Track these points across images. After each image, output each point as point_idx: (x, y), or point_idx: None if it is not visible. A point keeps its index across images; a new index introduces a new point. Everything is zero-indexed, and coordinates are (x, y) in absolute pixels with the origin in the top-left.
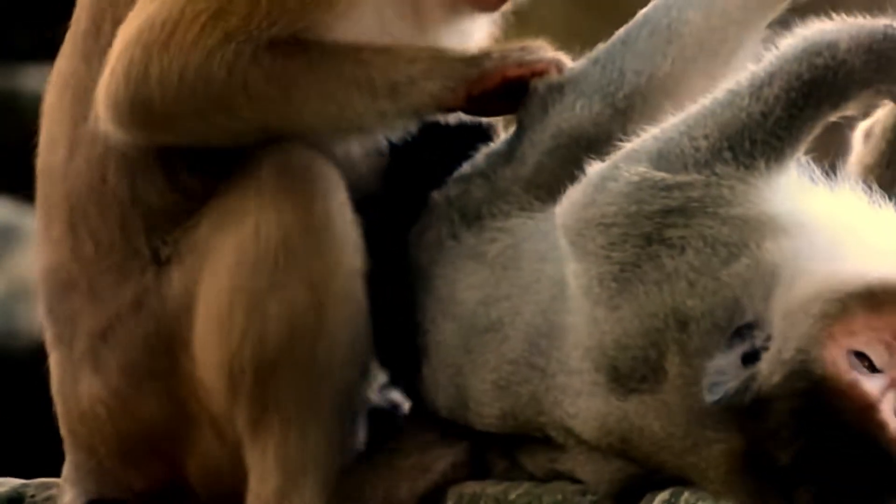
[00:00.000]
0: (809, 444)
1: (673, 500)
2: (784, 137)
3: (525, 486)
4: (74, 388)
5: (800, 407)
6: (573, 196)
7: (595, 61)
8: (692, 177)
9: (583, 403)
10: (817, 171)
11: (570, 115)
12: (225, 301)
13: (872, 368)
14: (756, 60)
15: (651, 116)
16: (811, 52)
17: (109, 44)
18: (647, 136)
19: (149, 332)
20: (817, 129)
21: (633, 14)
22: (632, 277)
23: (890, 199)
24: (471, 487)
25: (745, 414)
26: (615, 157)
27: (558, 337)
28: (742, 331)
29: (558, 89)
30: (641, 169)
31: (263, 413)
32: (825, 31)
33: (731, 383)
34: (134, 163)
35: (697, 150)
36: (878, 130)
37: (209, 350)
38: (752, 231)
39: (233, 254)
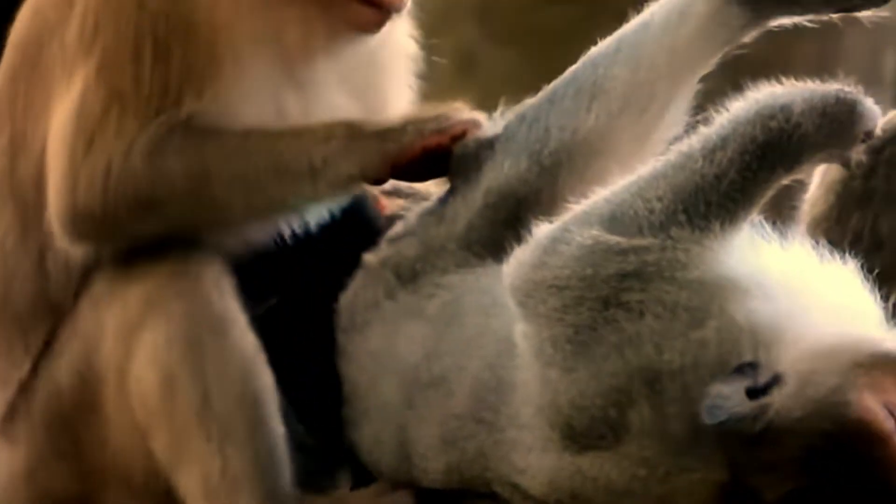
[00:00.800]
0: (814, 482)
1: None
2: (738, 200)
3: None
4: None
5: (817, 445)
6: (522, 257)
7: (522, 119)
8: (647, 241)
9: (533, 459)
10: (768, 229)
11: (498, 173)
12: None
13: None
14: (690, 117)
15: (579, 173)
16: (765, 115)
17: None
18: (598, 198)
19: (46, 414)
20: (770, 191)
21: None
22: (588, 340)
23: (840, 252)
24: None
25: (742, 444)
26: (565, 219)
27: (507, 392)
28: (743, 368)
29: (489, 146)
30: (595, 232)
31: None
32: (778, 95)
33: (736, 409)
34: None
35: (651, 212)
36: (824, 186)
37: (125, 413)
38: (713, 295)
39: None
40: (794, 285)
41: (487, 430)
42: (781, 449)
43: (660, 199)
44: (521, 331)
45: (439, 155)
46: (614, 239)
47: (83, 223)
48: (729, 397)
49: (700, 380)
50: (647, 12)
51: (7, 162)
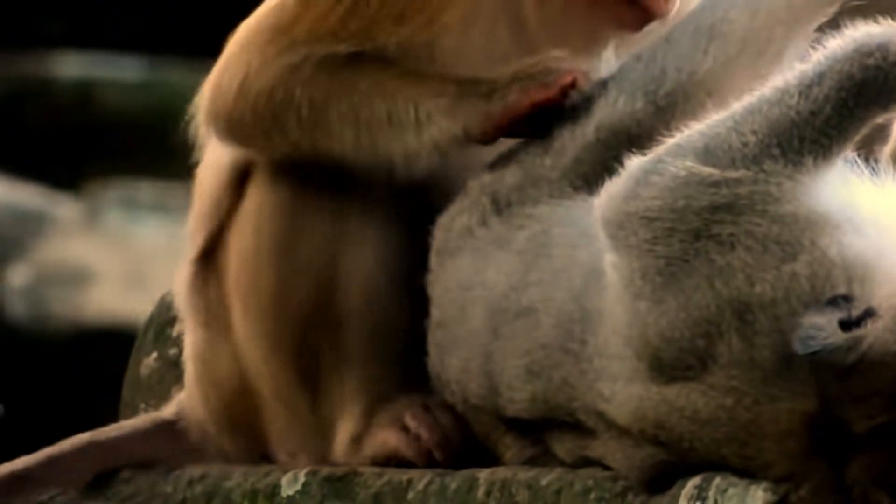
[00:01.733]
0: None
1: (704, 484)
2: (833, 136)
3: (556, 472)
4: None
5: None
6: (613, 189)
7: (638, 58)
8: (740, 173)
9: (620, 389)
10: (861, 166)
11: (611, 110)
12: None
13: None
14: (803, 60)
15: (693, 114)
16: (862, 53)
17: None
18: (692, 132)
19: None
20: (865, 129)
21: None
22: (678, 272)
23: None
24: (502, 473)
25: (834, 375)
26: (658, 151)
27: (594, 323)
28: (837, 300)
29: (602, 85)
30: (688, 163)
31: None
32: (875, 34)
33: (829, 340)
34: None
35: (745, 145)
36: None
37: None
38: (804, 229)
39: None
40: (886, 222)
41: (574, 359)
42: (874, 382)
43: (754, 132)
44: (610, 262)
45: (548, 109)
46: (707, 170)
47: (216, 121)
48: (822, 328)
49: (792, 312)
50: None
51: None
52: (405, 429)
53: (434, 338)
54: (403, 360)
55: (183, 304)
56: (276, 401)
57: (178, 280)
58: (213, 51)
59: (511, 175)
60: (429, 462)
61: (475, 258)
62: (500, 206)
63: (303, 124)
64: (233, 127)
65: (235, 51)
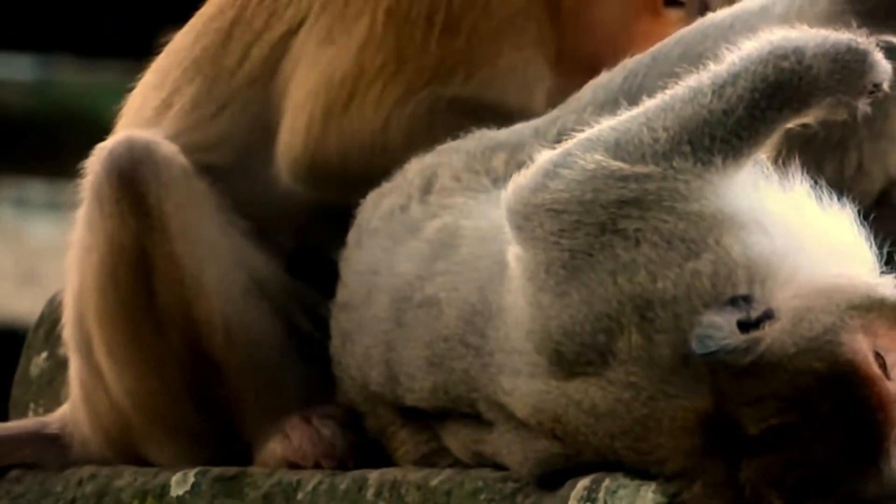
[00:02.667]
0: (799, 417)
1: (594, 486)
2: (744, 137)
3: (446, 473)
4: None
5: (805, 383)
6: (521, 181)
7: (622, 68)
8: (650, 168)
9: (521, 382)
10: (770, 169)
11: (577, 117)
12: None
13: (884, 371)
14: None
15: None
16: (777, 56)
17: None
18: (603, 126)
19: None
20: (777, 133)
21: None
22: (582, 265)
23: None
24: (392, 474)
25: (730, 376)
26: (568, 144)
27: (496, 317)
28: (737, 300)
29: (583, 89)
30: (598, 157)
31: None
32: (791, 37)
33: (726, 340)
34: None
35: (656, 141)
36: None
37: None
38: (710, 228)
39: None
40: (791, 225)
41: (475, 353)
42: (769, 383)
43: (666, 129)
44: (515, 254)
45: None
46: (617, 164)
47: (316, 172)
48: (720, 328)
49: (692, 310)
50: None
51: (218, 42)
52: (289, 439)
53: (338, 321)
54: (291, 370)
55: (66, 331)
56: (159, 426)
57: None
58: (106, 51)
59: (453, 160)
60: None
61: (388, 242)
62: (427, 191)
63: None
64: (340, 177)
65: (338, 102)
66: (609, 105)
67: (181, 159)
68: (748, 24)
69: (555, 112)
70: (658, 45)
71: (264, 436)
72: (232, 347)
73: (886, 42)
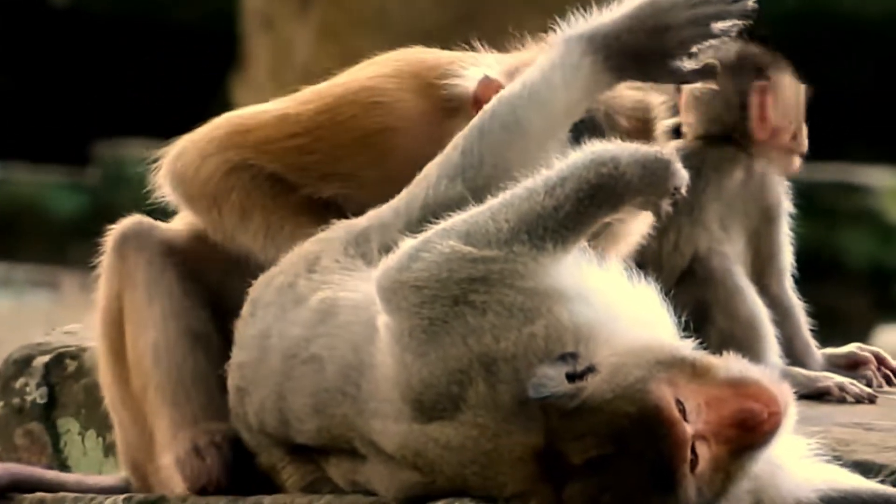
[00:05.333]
0: (614, 451)
1: None
2: (570, 228)
3: (327, 498)
4: None
5: (620, 422)
6: (389, 262)
7: (455, 147)
8: (494, 252)
9: (389, 424)
10: (591, 253)
11: (435, 192)
12: None
13: (683, 416)
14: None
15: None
16: (598, 163)
17: None
18: (458, 219)
19: None
20: (597, 224)
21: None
22: (439, 331)
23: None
24: (283, 499)
25: (559, 416)
26: (428, 233)
27: (368, 372)
28: (566, 356)
29: (428, 169)
30: (452, 243)
31: None
32: (609, 148)
33: (556, 389)
34: None
35: (500, 231)
36: None
37: None
38: (543, 300)
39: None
40: (609, 297)
41: (352, 400)
42: (590, 423)
43: (507, 220)
44: (384, 322)
45: None
46: (467, 249)
47: (175, 188)
48: (552, 378)
49: (529, 364)
50: (541, 68)
51: None
52: (180, 459)
53: (234, 378)
54: (200, 400)
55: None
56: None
57: None
58: (56, 157)
59: (331, 246)
60: (204, 491)
61: (279, 311)
62: (311, 269)
63: (231, 216)
64: (186, 198)
65: (204, 130)
66: (459, 179)
67: (170, 239)
68: (536, 92)
69: (406, 193)
70: (478, 120)
71: (166, 454)
72: (156, 368)
73: (707, 65)
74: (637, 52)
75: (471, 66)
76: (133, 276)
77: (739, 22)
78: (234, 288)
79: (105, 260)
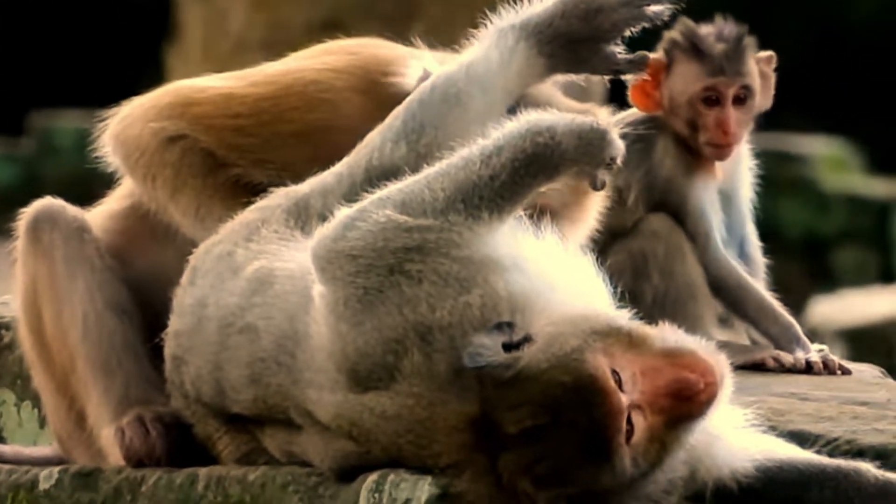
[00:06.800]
0: (549, 420)
1: (381, 479)
2: (506, 197)
3: (262, 470)
4: None
5: (555, 392)
6: (325, 231)
7: (397, 116)
8: (429, 221)
9: (324, 394)
10: (528, 223)
11: (380, 154)
12: None
13: (619, 386)
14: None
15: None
16: (534, 132)
17: None
18: (393, 188)
19: None
20: (533, 194)
21: None
22: (374, 300)
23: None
24: (218, 470)
25: (494, 386)
26: (364, 202)
27: (303, 341)
28: (502, 326)
29: (372, 135)
30: (387, 212)
31: None
32: (545, 117)
33: (491, 358)
34: None
35: (435, 200)
36: None
37: None
38: (479, 269)
39: None
40: (545, 267)
41: (287, 370)
42: (525, 392)
43: (443, 189)
44: (319, 291)
45: None
46: (403, 218)
47: (115, 149)
48: (488, 348)
49: (465, 334)
50: (478, 50)
51: None
52: (123, 433)
53: (170, 347)
54: (137, 372)
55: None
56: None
57: None
58: None
59: (272, 214)
60: (140, 464)
61: (216, 280)
62: (249, 238)
63: (164, 189)
64: (125, 163)
65: (150, 96)
66: (402, 142)
67: (82, 219)
68: (475, 71)
69: (348, 159)
70: (417, 93)
71: (106, 425)
72: (84, 340)
73: (638, 56)
74: (570, 37)
75: (413, 63)
76: (50, 253)
77: (670, 5)
78: (162, 263)
79: (20, 243)
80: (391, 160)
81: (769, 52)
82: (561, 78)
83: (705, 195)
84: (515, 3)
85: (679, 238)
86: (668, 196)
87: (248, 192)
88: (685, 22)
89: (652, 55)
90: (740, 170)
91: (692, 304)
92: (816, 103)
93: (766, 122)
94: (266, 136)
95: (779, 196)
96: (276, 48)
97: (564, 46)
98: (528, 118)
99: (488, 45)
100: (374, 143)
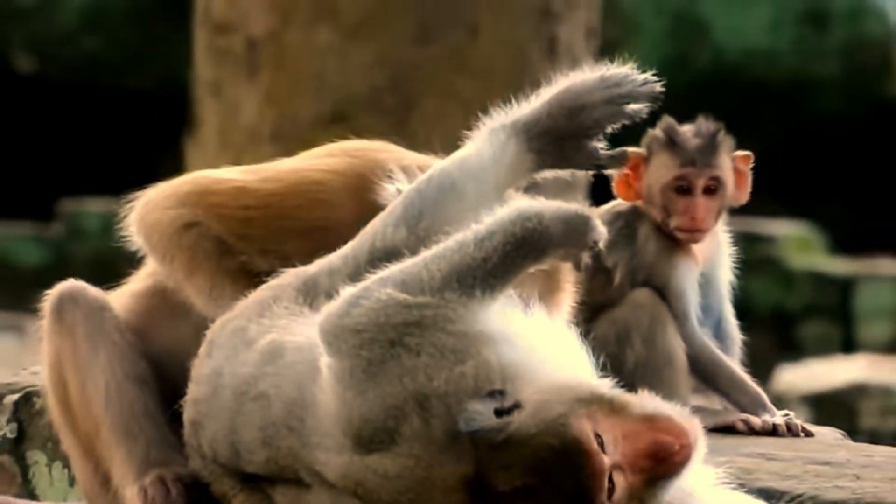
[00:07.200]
0: (538, 480)
1: None
2: (498, 277)
3: None
4: None
5: (543, 454)
6: (331, 308)
7: (397, 204)
8: (427, 299)
9: (331, 456)
10: (517, 299)
11: (382, 237)
12: None
13: (601, 448)
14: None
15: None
16: (524, 218)
17: None
18: (394, 268)
19: None
20: (522, 274)
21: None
22: (377, 371)
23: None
24: None
25: (488, 448)
26: (367, 282)
27: (311, 408)
28: (494, 393)
29: (374, 222)
30: (388, 290)
31: None
32: (533, 205)
33: (485, 423)
34: None
35: (433, 279)
36: None
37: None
38: (472, 342)
39: None
40: (533, 340)
41: (297, 435)
42: (516, 454)
43: (440, 270)
44: (326, 363)
45: None
46: (403, 296)
47: (138, 231)
48: (481, 413)
49: (460, 401)
50: (472, 147)
51: None
52: (146, 493)
53: (189, 413)
54: (156, 435)
55: None
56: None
57: None
58: (23, 213)
59: (282, 292)
60: None
61: (231, 352)
62: (261, 315)
63: (180, 270)
64: (147, 244)
65: (171, 184)
66: (402, 226)
67: (102, 299)
68: (469, 165)
69: (353, 243)
70: (415, 185)
71: (129, 485)
72: (107, 409)
73: (619, 152)
74: (556, 134)
75: (398, 175)
76: (73, 330)
77: (648, 104)
78: (179, 338)
79: (45, 322)
80: (392, 243)
81: (747, 152)
82: (548, 174)
83: (686, 277)
84: (506, 104)
85: (661, 310)
86: (651, 278)
87: (254, 276)
88: (666, 119)
89: (633, 150)
90: (720, 254)
91: (669, 371)
92: (783, 189)
93: (738, 208)
94: (271, 229)
95: (749, 274)
96: (286, 139)
97: (551, 143)
98: (518, 205)
99: (481, 143)
100: (376, 227)
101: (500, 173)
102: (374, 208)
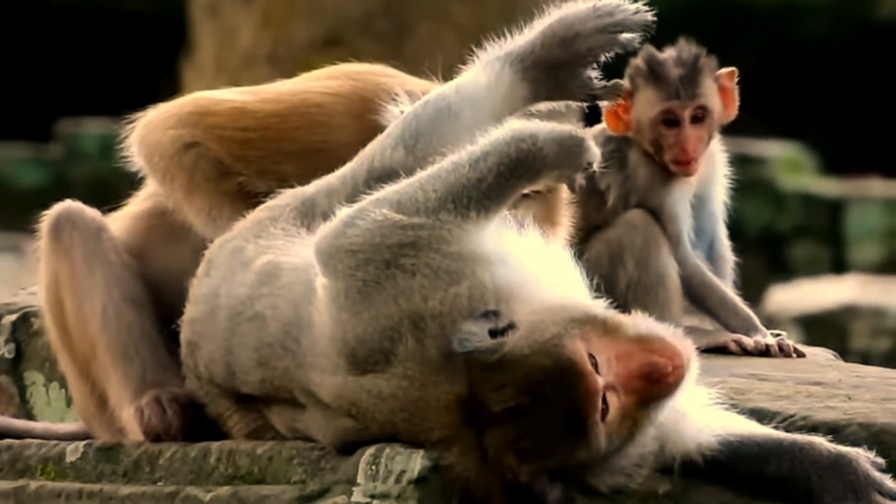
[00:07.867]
0: (531, 400)
1: (378, 452)
2: (492, 198)
3: (269, 444)
4: None
5: (537, 374)
6: (327, 229)
7: (395, 126)
8: (422, 220)
9: (326, 377)
10: (512, 220)
11: (381, 156)
12: None
13: (595, 369)
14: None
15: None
16: (518, 139)
17: None
18: (390, 189)
19: None
20: (517, 195)
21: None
22: (372, 291)
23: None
24: (229, 444)
25: (481, 368)
26: (363, 202)
27: (307, 328)
28: (488, 314)
29: (372, 143)
30: (384, 211)
31: None
32: (528, 125)
33: (479, 343)
34: None
35: (428, 200)
36: None
37: None
38: (467, 263)
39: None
40: (527, 261)
41: (292, 355)
42: (510, 375)
43: (435, 191)
44: (321, 283)
45: None
46: (398, 217)
47: (138, 151)
48: (475, 334)
49: (454, 322)
50: (469, 75)
51: None
52: (142, 413)
53: (185, 332)
54: (153, 356)
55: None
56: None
57: None
58: (21, 134)
59: (281, 213)
60: (158, 439)
61: (228, 272)
62: (258, 235)
63: (179, 190)
64: (147, 164)
65: (172, 104)
66: (401, 146)
67: (99, 220)
68: (465, 91)
69: (351, 164)
70: (413, 107)
71: (125, 406)
72: (104, 330)
73: (613, 83)
74: (550, 63)
75: (400, 96)
76: (70, 252)
77: (641, 33)
78: (177, 259)
79: (42, 243)
80: (390, 163)
81: (731, 68)
82: (543, 106)
83: (679, 200)
84: (500, 28)
85: (655, 231)
86: (645, 201)
87: (252, 197)
88: (647, 49)
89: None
90: (715, 174)
91: (662, 292)
92: (773, 111)
93: (728, 128)
94: (269, 151)
95: (739, 195)
96: (281, 62)
97: (545, 72)
98: (513, 126)
99: (477, 72)
100: (374, 148)
101: (496, 102)
102: (374, 132)
